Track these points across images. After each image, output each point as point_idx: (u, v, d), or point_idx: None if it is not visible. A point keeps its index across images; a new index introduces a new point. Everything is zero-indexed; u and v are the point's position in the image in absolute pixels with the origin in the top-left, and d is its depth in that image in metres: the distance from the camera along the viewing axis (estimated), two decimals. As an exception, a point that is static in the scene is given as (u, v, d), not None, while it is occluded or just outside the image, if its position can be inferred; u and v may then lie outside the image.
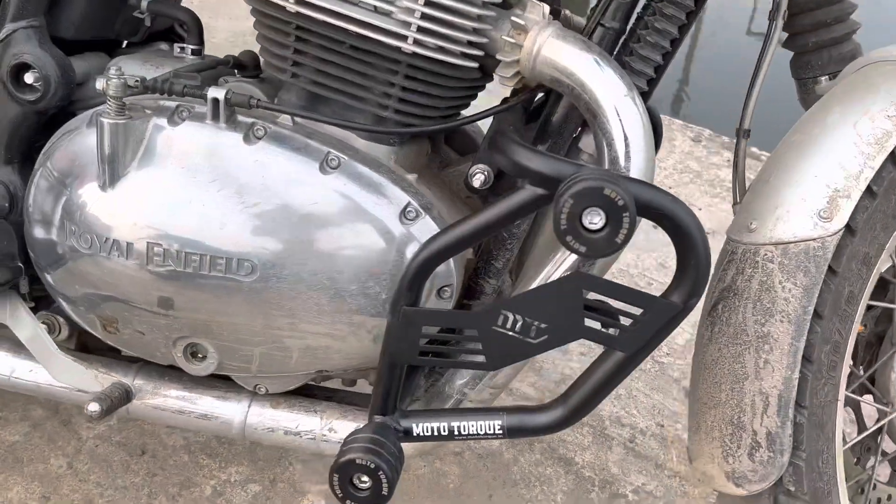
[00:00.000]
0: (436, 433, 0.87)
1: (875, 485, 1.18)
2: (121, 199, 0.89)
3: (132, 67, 1.04)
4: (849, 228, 0.88)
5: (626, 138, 0.86)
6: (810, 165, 0.90)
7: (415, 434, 0.87)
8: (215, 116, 0.89)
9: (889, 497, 1.17)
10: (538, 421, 0.85)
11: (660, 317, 0.78)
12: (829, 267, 0.88)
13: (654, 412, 1.56)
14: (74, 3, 0.99)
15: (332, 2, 0.87)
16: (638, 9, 0.95)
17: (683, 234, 0.75)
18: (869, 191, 0.89)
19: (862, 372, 1.12)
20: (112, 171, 0.88)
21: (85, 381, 0.95)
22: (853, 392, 1.12)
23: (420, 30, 0.86)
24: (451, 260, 0.90)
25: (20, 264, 0.98)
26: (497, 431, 0.86)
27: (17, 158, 1.01)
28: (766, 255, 0.88)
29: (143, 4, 1.04)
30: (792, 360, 0.87)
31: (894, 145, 0.89)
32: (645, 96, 0.94)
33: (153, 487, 1.32)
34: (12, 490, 1.30)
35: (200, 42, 1.07)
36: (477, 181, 1.01)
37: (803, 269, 0.87)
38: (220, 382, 1.03)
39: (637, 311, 0.79)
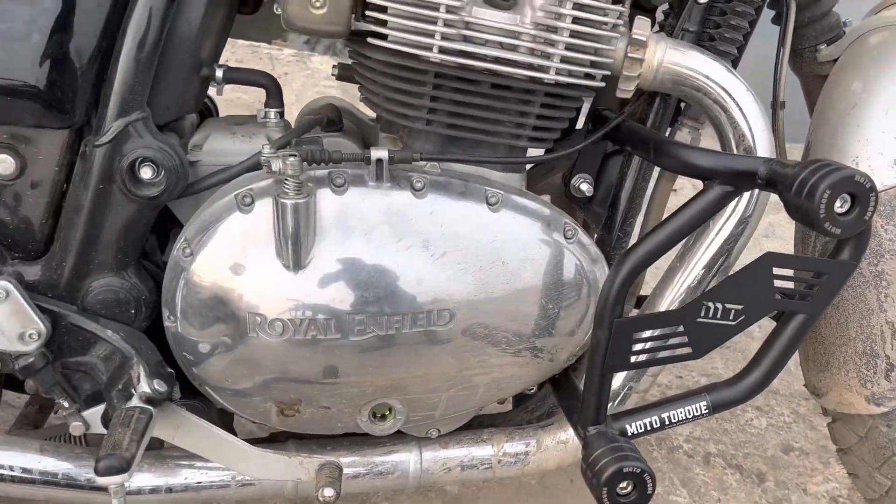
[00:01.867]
0: (649, 427, 0.92)
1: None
2: (311, 277, 0.85)
3: (223, 142, 0.99)
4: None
5: (751, 128, 0.95)
6: (873, 123, 1.04)
7: (630, 433, 0.92)
8: (379, 177, 0.88)
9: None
10: (738, 391, 0.93)
11: (840, 276, 0.88)
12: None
13: (669, 367, 1.69)
14: (170, 88, 0.93)
15: (472, 45, 0.88)
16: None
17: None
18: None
19: None
20: (297, 250, 0.84)
21: (290, 469, 0.90)
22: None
23: (564, 59, 0.90)
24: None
25: (171, 370, 0.92)
26: (704, 411, 0.93)
27: (133, 261, 0.93)
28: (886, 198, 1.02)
29: (219, 74, 0.99)
30: (908, 291, 1.01)
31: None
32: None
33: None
34: None
35: (281, 104, 1.03)
36: (585, 190, 1.07)
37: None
38: (386, 439, 1.02)
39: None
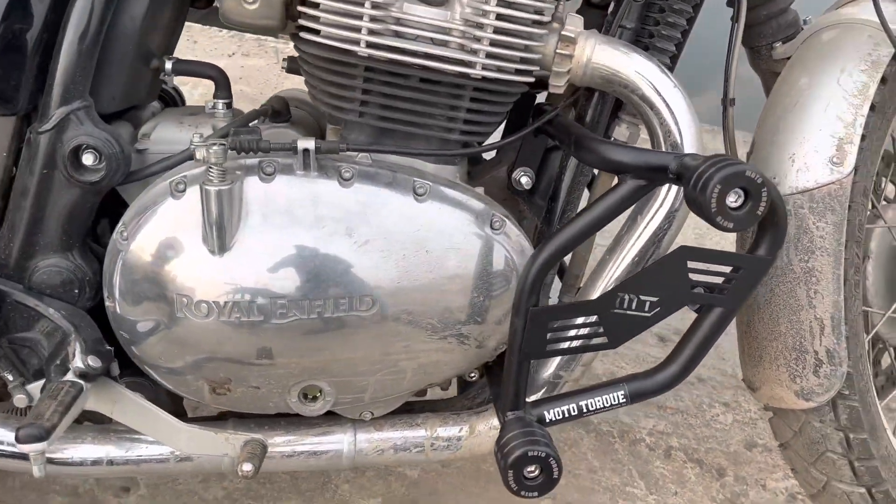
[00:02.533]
0: (567, 415, 0.95)
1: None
2: (235, 261, 0.89)
3: (169, 131, 1.02)
4: (854, 168, 1.04)
5: (678, 124, 0.97)
6: (812, 120, 1.05)
7: (548, 420, 0.95)
8: (307, 166, 0.91)
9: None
10: (655, 382, 0.95)
11: (756, 271, 0.90)
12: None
13: (639, 360, 1.70)
14: (114, 78, 0.97)
15: (399, 40, 0.91)
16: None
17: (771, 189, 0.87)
18: (860, 134, 1.05)
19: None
20: (221, 235, 0.88)
21: (217, 445, 0.94)
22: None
23: (489, 55, 0.92)
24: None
25: (109, 347, 0.96)
26: (621, 400, 0.95)
27: (77, 242, 0.97)
28: (795, 202, 1.03)
29: (168, 66, 1.03)
30: (836, 286, 1.02)
31: (873, 93, 1.05)
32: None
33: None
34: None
35: (230, 96, 1.06)
36: (525, 183, 1.09)
37: (830, 209, 1.02)
38: (321, 420, 1.05)
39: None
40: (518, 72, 0.95)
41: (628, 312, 0.90)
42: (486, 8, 0.90)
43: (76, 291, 0.97)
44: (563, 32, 0.96)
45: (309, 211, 0.91)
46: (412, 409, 1.09)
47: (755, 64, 1.27)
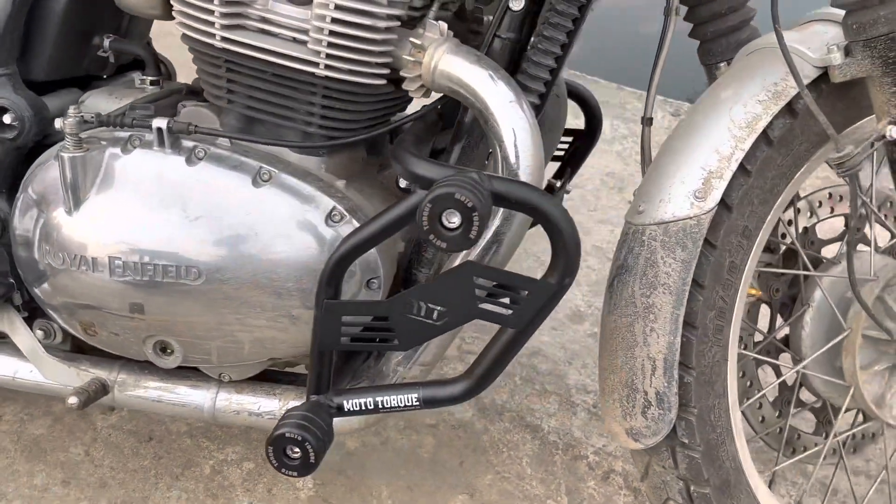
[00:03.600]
0: (363, 408, 0.98)
1: (799, 435, 1.26)
2: (84, 222, 1.01)
3: (99, 101, 1.16)
4: (725, 205, 0.97)
5: (515, 140, 0.95)
6: (692, 150, 0.98)
7: (346, 409, 0.98)
8: (161, 143, 1.01)
9: (815, 444, 1.26)
10: (448, 392, 0.96)
11: (540, 296, 0.88)
12: (708, 241, 0.96)
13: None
14: (41, 49, 1.12)
15: (251, 36, 0.98)
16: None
17: (550, 223, 0.85)
18: (743, 169, 0.97)
19: (776, 333, 1.20)
20: (75, 197, 1.00)
21: (69, 377, 1.09)
22: (768, 351, 1.21)
23: (329, 56, 0.96)
24: (376, 253, 1.01)
25: (12, 280, 1.12)
26: (414, 403, 0.97)
27: (4, 188, 1.14)
28: (650, 234, 0.97)
29: (106, 44, 1.17)
30: (674, 327, 0.96)
31: (765, 126, 0.96)
32: (542, 97, 1.04)
33: (159, 469, 1.46)
34: (37, 477, 1.45)
35: (158, 73, 1.18)
36: (403, 182, 1.11)
37: (681, 245, 0.95)
38: (193, 373, 1.16)
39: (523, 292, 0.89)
40: (369, 74, 0.99)
41: (419, 318, 0.92)
42: (324, 12, 0.94)
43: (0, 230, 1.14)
44: (411, 39, 0.97)
45: (153, 184, 1.00)
46: (279, 379, 1.17)
47: (708, 84, 1.19)
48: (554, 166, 1.41)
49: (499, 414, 1.57)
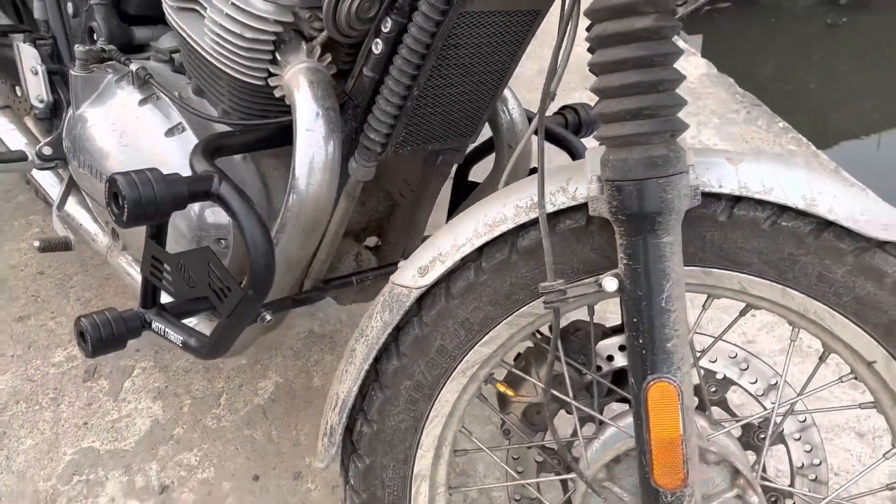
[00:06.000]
0: (156, 331, 1.20)
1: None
2: (77, 124, 1.36)
3: (169, 39, 1.48)
4: (448, 291, 0.97)
5: (303, 161, 1.06)
6: (450, 228, 0.99)
7: (147, 326, 1.20)
8: (131, 83, 1.30)
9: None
10: (195, 347, 1.13)
11: (235, 297, 1.01)
12: (419, 315, 0.98)
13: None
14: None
15: (190, 23, 1.20)
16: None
17: (246, 239, 0.97)
18: (478, 266, 0.95)
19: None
20: (77, 104, 1.36)
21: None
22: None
23: (219, 54, 1.14)
24: (229, 219, 1.20)
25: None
26: (180, 344, 1.16)
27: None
28: (386, 289, 1.02)
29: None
30: (357, 376, 1.00)
31: (506, 230, 0.93)
32: (387, 136, 1.10)
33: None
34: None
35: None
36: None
37: (389, 308, 0.99)
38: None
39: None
40: (248, 74, 1.14)
41: (181, 276, 1.10)
42: (214, 17, 1.12)
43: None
44: (277, 54, 1.11)
45: (117, 110, 1.31)
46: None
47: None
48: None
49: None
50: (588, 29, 0.84)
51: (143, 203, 0.95)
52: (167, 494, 1.55)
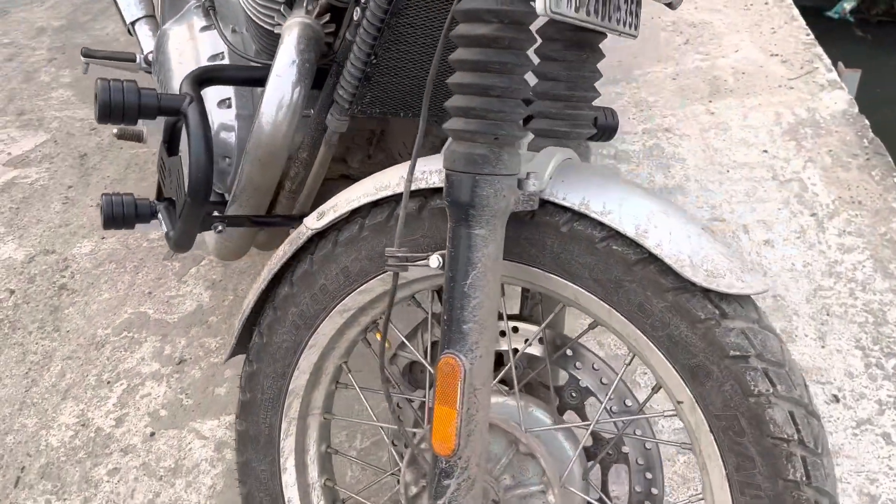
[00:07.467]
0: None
1: None
2: (160, 40, 1.60)
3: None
4: (336, 239, 1.08)
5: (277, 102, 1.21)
6: (357, 185, 1.10)
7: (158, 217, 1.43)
8: (201, 10, 1.51)
9: None
10: (169, 236, 1.34)
11: (180, 202, 1.20)
12: (312, 254, 1.11)
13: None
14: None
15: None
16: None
17: (191, 148, 1.15)
18: (363, 223, 1.06)
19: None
20: (163, 18, 1.59)
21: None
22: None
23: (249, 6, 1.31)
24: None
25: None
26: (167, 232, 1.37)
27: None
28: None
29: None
30: (257, 292, 1.16)
31: (387, 195, 1.03)
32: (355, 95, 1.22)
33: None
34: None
35: None
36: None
37: (291, 242, 1.12)
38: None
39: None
40: (262, 20, 1.31)
41: (168, 179, 1.31)
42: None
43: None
44: (281, 9, 1.26)
45: (187, 39, 1.52)
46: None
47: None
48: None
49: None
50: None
51: (111, 106, 1.15)
52: (182, 366, 1.81)
